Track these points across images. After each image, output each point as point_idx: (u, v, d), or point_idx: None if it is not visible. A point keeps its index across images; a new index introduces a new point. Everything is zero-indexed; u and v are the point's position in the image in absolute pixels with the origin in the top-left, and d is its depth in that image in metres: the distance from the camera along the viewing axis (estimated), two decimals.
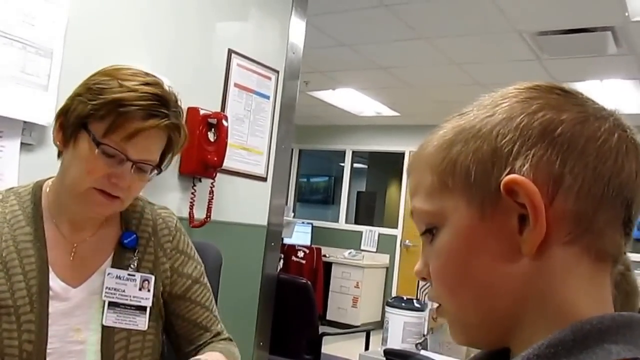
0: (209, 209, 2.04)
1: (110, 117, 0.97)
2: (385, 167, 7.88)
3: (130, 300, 1.08)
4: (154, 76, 1.06)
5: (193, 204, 2.00)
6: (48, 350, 1.01)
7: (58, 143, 1.04)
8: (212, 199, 2.04)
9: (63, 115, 1.03)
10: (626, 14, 3.06)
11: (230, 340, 1.19)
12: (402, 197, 6.70)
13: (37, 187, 1.11)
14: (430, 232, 0.50)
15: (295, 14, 2.40)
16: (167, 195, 1.93)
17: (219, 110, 2.07)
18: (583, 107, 0.47)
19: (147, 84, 1.01)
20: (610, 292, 0.47)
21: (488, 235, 0.46)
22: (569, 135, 0.45)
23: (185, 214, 1.99)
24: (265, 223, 2.35)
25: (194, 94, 1.98)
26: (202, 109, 1.96)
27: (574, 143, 0.44)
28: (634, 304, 0.76)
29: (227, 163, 2.04)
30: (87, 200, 1.02)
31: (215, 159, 1.96)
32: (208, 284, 1.20)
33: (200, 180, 2.03)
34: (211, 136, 1.97)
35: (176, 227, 1.18)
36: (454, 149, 0.48)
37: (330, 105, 6.03)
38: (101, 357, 1.04)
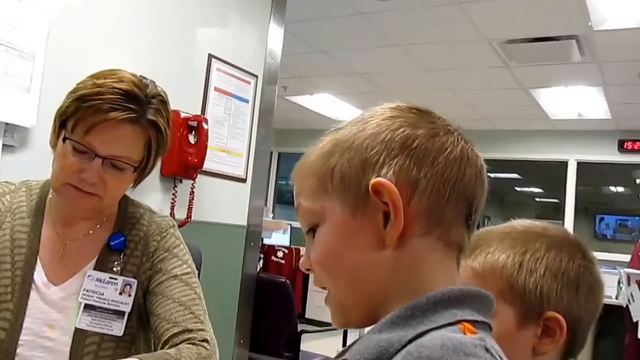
0: (189, 210, 2.09)
1: (78, 114, 0.99)
2: None
3: (108, 304, 1.05)
4: (141, 77, 1.05)
5: (174, 205, 2.05)
6: (20, 341, 1.00)
7: (52, 143, 1.06)
8: (193, 199, 2.09)
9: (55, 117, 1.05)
10: (589, 24, 3.19)
11: (203, 342, 1.04)
12: None
13: (47, 182, 1.12)
14: (313, 231, 0.58)
15: (273, 21, 2.47)
16: (149, 196, 1.97)
17: (199, 113, 2.13)
18: (434, 124, 0.57)
19: (120, 81, 1.00)
20: (457, 273, 0.57)
21: (359, 229, 0.55)
22: (422, 147, 0.54)
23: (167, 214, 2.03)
24: (245, 223, 2.40)
25: (174, 97, 1.98)
26: (182, 111, 2.02)
27: (427, 154, 0.54)
28: (598, 295, 0.75)
29: (208, 165, 2.10)
30: (64, 195, 1.03)
31: (196, 160, 2.02)
32: (195, 285, 1.11)
33: (181, 181, 2.08)
34: (192, 138, 2.03)
35: (167, 229, 1.15)
36: (332, 159, 0.57)
37: (308, 110, 6.10)
38: (69, 358, 1.02)
